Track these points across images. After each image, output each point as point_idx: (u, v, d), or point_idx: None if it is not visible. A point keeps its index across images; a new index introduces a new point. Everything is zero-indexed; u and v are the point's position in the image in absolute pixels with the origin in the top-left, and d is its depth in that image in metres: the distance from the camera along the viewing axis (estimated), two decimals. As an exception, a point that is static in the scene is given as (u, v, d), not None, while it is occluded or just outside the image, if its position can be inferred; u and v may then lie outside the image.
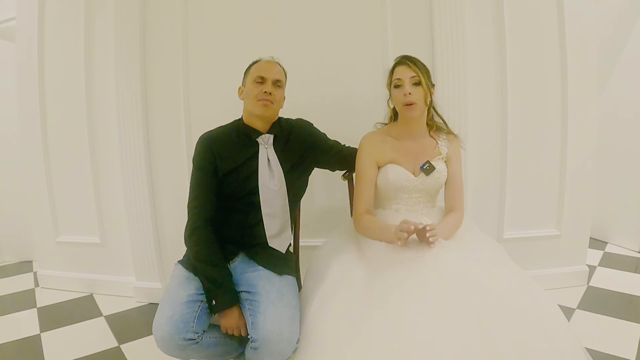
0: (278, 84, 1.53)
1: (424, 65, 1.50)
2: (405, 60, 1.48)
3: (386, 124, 1.63)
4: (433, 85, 1.53)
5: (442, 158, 1.56)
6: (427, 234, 1.27)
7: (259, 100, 1.49)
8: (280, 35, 2.16)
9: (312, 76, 2.12)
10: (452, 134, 1.61)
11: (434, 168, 1.51)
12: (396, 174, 1.51)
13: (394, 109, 1.58)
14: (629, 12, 2.75)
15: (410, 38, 2.10)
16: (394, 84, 1.50)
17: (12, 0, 2.59)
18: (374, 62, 2.12)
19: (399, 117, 1.57)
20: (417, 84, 1.46)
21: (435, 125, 1.59)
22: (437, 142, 1.57)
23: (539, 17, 2.12)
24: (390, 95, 1.55)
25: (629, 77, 2.79)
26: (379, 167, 1.55)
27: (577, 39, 2.11)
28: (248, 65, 1.60)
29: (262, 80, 1.50)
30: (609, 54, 2.84)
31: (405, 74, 1.46)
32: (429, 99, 1.49)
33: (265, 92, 1.48)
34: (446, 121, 1.61)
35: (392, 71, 1.52)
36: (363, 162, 1.55)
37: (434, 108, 1.59)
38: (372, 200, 1.57)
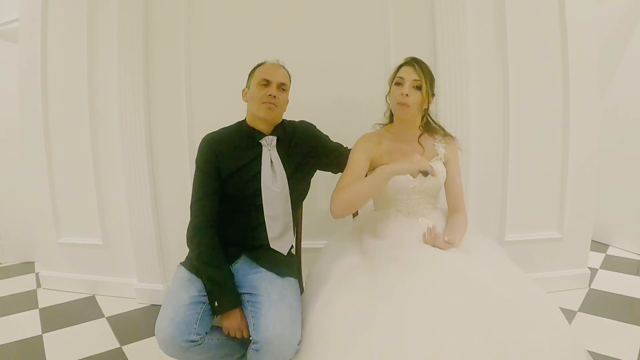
0: (283, 87, 1.54)
1: (430, 73, 1.50)
2: (413, 62, 1.48)
3: (384, 125, 1.64)
4: (433, 95, 1.53)
5: (440, 159, 1.56)
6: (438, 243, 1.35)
7: (263, 102, 1.49)
8: (283, 37, 2.17)
9: (315, 78, 2.13)
10: (449, 135, 1.61)
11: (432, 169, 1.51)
12: None
13: (391, 110, 1.58)
14: (630, 14, 2.75)
15: (412, 41, 2.10)
16: (395, 81, 1.50)
17: (15, 2, 2.60)
18: (376, 65, 2.12)
19: (394, 118, 1.57)
20: (418, 87, 1.46)
21: (430, 128, 1.59)
22: (433, 143, 1.57)
23: (540, 20, 2.13)
24: (389, 91, 1.55)
25: (630, 80, 2.80)
26: (372, 165, 1.54)
27: (578, 41, 2.11)
28: (252, 67, 1.60)
29: (267, 83, 1.51)
30: (610, 55, 2.84)
31: (409, 75, 1.47)
32: (424, 106, 1.50)
33: (270, 95, 1.49)
34: (443, 127, 1.62)
35: (398, 69, 1.52)
36: (357, 153, 1.53)
37: (429, 116, 1.59)
38: None
